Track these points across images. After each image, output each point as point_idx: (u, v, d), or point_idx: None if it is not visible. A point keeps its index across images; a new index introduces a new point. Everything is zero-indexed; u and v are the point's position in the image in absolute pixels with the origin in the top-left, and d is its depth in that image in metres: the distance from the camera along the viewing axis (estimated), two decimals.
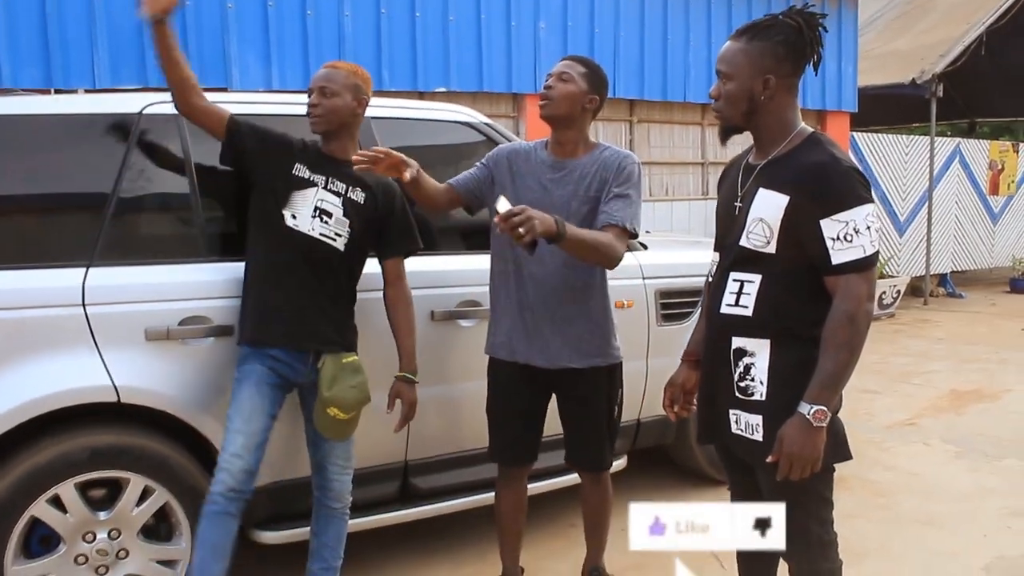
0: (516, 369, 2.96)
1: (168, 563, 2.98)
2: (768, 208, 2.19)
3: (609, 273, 3.05)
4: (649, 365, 3.92)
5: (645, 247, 4.06)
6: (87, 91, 5.27)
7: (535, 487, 3.45)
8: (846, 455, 2.28)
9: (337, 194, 2.91)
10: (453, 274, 3.44)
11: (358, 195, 2.95)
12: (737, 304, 2.26)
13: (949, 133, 14.30)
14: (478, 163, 3.07)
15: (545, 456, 3.23)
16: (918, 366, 7.38)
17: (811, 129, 2.28)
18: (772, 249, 2.19)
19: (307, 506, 3.06)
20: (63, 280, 2.80)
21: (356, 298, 3.04)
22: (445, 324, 3.35)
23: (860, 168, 2.19)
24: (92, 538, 2.85)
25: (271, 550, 3.19)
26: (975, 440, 5.23)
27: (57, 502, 2.78)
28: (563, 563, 3.51)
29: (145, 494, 2.90)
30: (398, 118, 3.60)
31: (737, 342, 2.27)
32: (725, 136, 2.36)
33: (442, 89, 6.99)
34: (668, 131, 8.55)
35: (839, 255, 2.11)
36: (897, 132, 11.89)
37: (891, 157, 10.72)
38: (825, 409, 2.08)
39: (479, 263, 3.13)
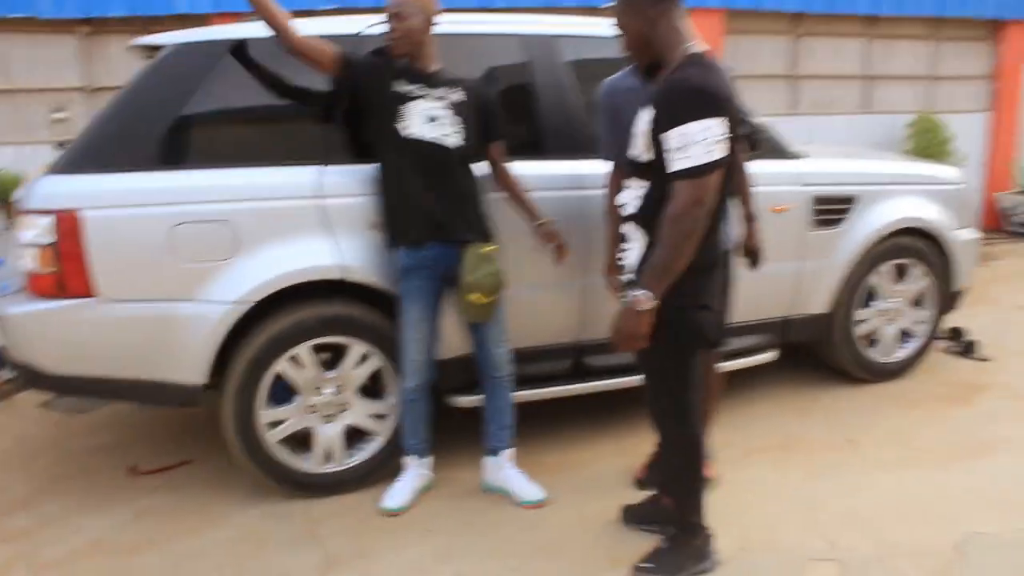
0: None
1: (380, 417, 3.58)
2: (642, 122, 2.48)
3: (768, 180, 3.55)
4: (802, 266, 4.23)
5: (804, 156, 4.31)
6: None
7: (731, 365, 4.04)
8: (696, 344, 2.63)
9: (440, 99, 3.23)
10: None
11: (458, 95, 3.27)
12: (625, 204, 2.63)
13: None
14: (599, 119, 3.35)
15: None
16: None
17: (696, 51, 2.44)
18: (649, 157, 2.47)
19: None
20: (305, 176, 3.33)
21: (481, 189, 3.37)
22: None
23: (716, 87, 2.34)
24: (321, 392, 3.47)
25: (463, 412, 3.73)
26: None
27: (295, 361, 3.39)
28: None
29: (364, 358, 3.48)
30: (578, 35, 3.88)
31: (623, 228, 2.64)
32: (647, 76, 2.60)
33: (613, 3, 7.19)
34: (832, 44, 8.47)
35: (675, 164, 2.34)
36: None
37: None
38: (644, 294, 2.41)
39: None
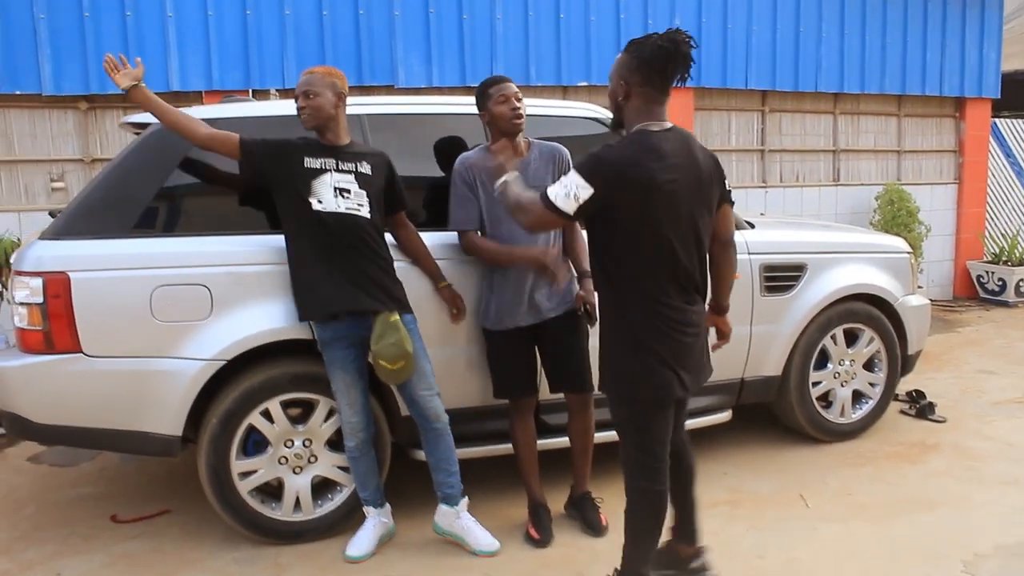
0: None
1: (345, 469, 3.75)
2: None
3: None
4: (753, 330, 4.46)
5: (752, 226, 4.57)
6: (278, 91, 6.17)
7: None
8: (635, 394, 2.82)
9: (348, 172, 3.41)
10: None
11: (365, 167, 3.46)
12: None
13: None
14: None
15: None
16: None
17: (645, 129, 2.72)
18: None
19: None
20: (276, 244, 3.55)
21: (392, 257, 3.56)
22: None
23: (614, 159, 2.65)
24: (291, 444, 3.68)
25: (420, 464, 3.84)
26: None
27: (267, 415, 3.61)
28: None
29: (330, 414, 3.69)
30: (539, 115, 4.18)
31: None
32: (614, 128, 2.95)
33: (584, 83, 7.58)
34: (800, 120, 8.83)
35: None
36: None
37: None
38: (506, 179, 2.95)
39: None
